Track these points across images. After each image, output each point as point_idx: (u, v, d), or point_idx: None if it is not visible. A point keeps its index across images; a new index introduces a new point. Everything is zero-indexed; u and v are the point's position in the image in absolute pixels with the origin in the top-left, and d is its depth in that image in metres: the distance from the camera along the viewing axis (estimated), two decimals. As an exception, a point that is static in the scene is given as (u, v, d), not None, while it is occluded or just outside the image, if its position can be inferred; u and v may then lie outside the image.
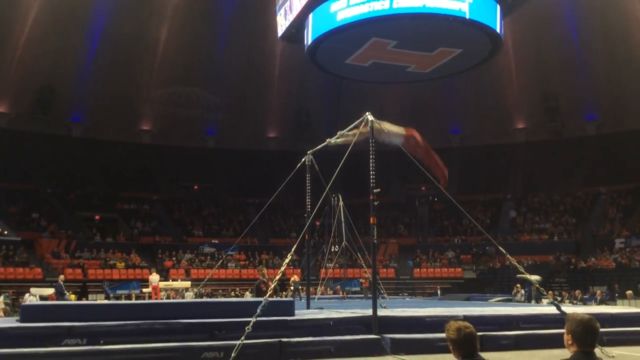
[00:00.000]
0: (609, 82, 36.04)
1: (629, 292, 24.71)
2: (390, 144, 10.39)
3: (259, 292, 14.53)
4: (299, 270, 28.00)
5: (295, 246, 10.84)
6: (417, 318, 9.67)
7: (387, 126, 10.62)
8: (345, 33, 20.26)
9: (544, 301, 18.47)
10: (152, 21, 35.63)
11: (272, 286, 10.11)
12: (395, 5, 19.22)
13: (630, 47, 34.37)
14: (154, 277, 24.86)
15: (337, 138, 11.50)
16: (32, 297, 19.55)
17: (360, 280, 29.45)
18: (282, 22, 23.38)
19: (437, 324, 9.09)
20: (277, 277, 9.99)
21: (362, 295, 25.17)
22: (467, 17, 19.26)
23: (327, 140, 11.82)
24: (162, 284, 26.46)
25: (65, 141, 37.01)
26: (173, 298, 25.04)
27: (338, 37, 20.60)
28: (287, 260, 10.76)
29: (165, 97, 38.64)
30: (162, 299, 23.37)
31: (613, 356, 7.97)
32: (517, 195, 39.71)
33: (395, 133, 10.94)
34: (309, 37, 21.49)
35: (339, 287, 29.35)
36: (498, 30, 20.55)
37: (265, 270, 15.57)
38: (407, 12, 19.33)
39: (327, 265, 23.18)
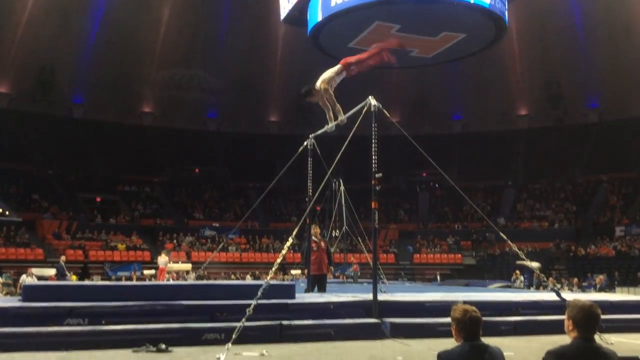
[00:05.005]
0: (612, 69, 35.89)
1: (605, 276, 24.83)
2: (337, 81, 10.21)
3: (312, 258, 12.27)
4: (299, 255, 28.04)
5: (296, 230, 10.82)
6: (416, 303, 9.67)
7: (324, 76, 10.37)
8: (349, 16, 20.15)
9: (545, 288, 18.54)
10: (153, 2, 35.39)
11: (273, 270, 10.04)
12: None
13: (634, 35, 34.19)
14: (162, 259, 24.70)
15: (334, 124, 11.31)
16: (29, 278, 19.45)
17: (351, 269, 29.35)
18: (285, 5, 23.25)
19: (436, 308, 9.12)
20: (278, 261, 10.00)
21: (360, 280, 25.23)
22: (472, 1, 19.16)
23: (325, 127, 11.63)
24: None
25: (66, 122, 36.97)
26: (174, 280, 25.07)
27: (341, 20, 20.50)
28: (287, 244, 10.75)
29: (166, 79, 38.50)
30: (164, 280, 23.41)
31: (612, 343, 7.99)
32: (519, 182, 39.72)
33: (333, 72, 10.58)
34: (312, 20, 21.37)
35: (340, 271, 29.37)
36: (502, 16, 20.45)
37: (317, 230, 12.70)
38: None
39: (328, 249, 23.19)
